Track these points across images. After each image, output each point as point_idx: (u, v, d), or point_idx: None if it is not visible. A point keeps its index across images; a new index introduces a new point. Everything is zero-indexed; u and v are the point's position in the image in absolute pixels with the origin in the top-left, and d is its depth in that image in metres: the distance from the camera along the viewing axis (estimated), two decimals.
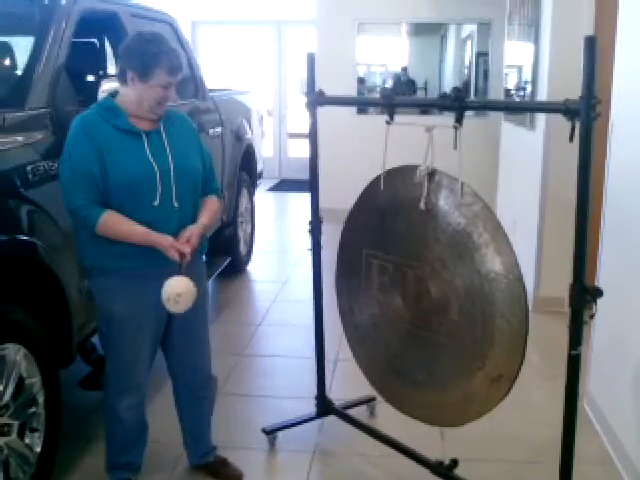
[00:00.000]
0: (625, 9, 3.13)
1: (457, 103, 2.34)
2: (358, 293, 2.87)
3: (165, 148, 2.45)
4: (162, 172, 2.40)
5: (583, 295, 2.10)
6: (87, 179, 2.34)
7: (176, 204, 2.44)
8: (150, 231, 2.37)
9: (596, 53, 1.98)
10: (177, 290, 2.33)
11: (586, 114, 1.99)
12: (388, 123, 2.56)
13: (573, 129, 2.04)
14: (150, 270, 2.42)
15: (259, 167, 6.03)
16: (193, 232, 2.42)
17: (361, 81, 7.91)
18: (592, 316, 3.26)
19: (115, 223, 2.36)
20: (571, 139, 2.04)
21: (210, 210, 2.58)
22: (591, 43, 1.98)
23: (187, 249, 2.37)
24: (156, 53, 2.35)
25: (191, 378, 2.74)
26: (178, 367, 2.72)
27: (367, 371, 2.93)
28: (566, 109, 2.04)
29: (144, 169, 2.38)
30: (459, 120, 2.33)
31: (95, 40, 4.17)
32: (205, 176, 2.61)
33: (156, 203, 2.39)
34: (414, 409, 2.71)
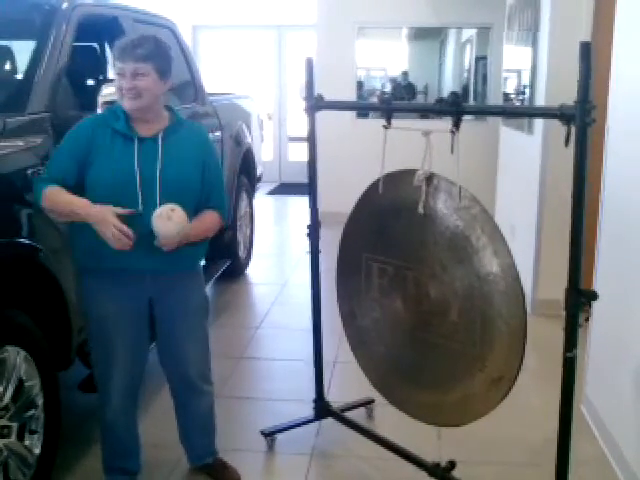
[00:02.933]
0: (622, 14, 3.15)
1: (454, 108, 2.35)
2: (359, 296, 2.89)
3: (157, 157, 2.40)
4: (145, 180, 2.36)
5: (578, 298, 2.12)
6: (57, 165, 2.40)
7: None
8: (90, 204, 2.30)
9: (591, 59, 2.00)
10: (171, 205, 2.28)
11: (581, 119, 2.00)
12: (386, 128, 2.58)
13: (568, 134, 2.06)
14: (126, 274, 2.42)
15: (258, 171, 6.05)
16: None
17: (361, 85, 7.93)
18: (587, 319, 3.30)
19: (57, 195, 2.33)
20: (566, 144, 2.06)
21: (200, 222, 2.47)
22: (586, 49, 2.00)
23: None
24: (119, 41, 2.37)
25: (175, 385, 2.74)
26: (165, 371, 2.72)
27: (368, 372, 2.94)
28: (561, 114, 2.06)
29: (126, 173, 2.35)
30: (456, 125, 2.35)
31: (95, 44, 4.19)
32: (206, 191, 2.52)
33: (140, 209, 2.35)
34: (415, 409, 2.73)
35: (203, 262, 2.79)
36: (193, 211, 2.47)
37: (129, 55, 2.31)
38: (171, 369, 2.70)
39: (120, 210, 2.29)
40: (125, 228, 2.25)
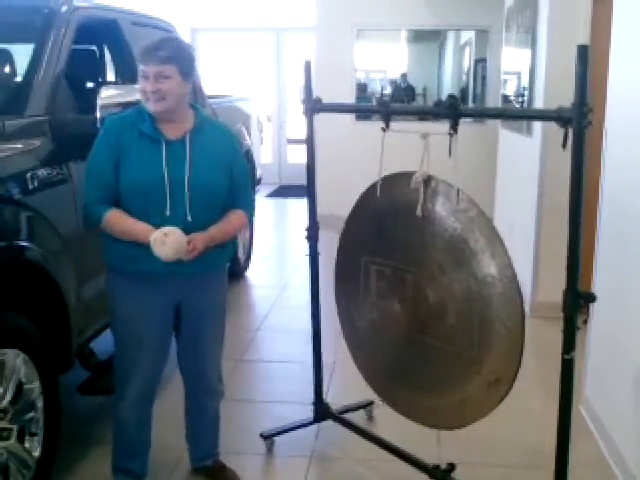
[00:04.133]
0: (619, 16, 3.16)
1: (451, 111, 2.36)
2: (357, 298, 2.89)
3: (184, 159, 2.41)
4: (174, 183, 2.38)
5: (576, 300, 2.12)
6: (99, 181, 2.42)
7: (189, 218, 2.40)
8: (151, 228, 2.35)
9: (588, 62, 2.01)
10: (164, 230, 2.31)
11: (578, 122, 2.01)
12: (384, 130, 2.59)
13: (566, 136, 2.06)
14: (155, 276, 2.44)
15: (258, 173, 6.06)
16: (196, 238, 2.37)
17: (362, 87, 7.93)
18: (586, 321, 3.30)
19: (118, 220, 2.39)
20: (564, 146, 2.07)
21: (226, 222, 2.51)
22: (583, 52, 2.00)
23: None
24: (142, 45, 2.40)
25: (193, 385, 2.75)
26: (184, 371, 2.74)
27: (366, 374, 2.95)
28: (558, 117, 2.06)
29: (154, 176, 2.37)
30: (454, 127, 2.35)
31: (94, 47, 4.19)
32: (234, 191, 2.54)
33: (168, 213, 2.38)
34: (412, 412, 2.73)
35: None
36: (221, 211, 2.51)
37: (151, 58, 2.33)
38: (192, 371, 2.71)
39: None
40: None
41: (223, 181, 2.50)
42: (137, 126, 2.42)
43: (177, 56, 2.37)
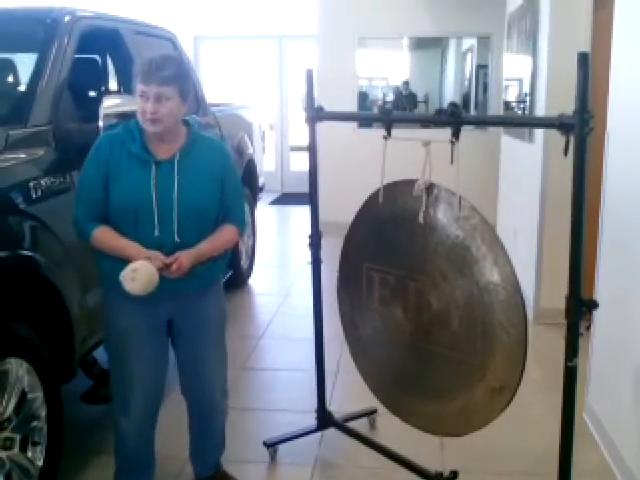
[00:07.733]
0: (620, 22, 3.17)
1: (453, 119, 2.36)
2: (360, 306, 2.90)
3: (173, 180, 2.37)
4: (163, 204, 2.36)
5: (579, 307, 2.12)
6: (89, 198, 2.41)
7: (177, 238, 2.38)
8: (140, 247, 2.34)
9: (589, 69, 2.01)
10: (133, 265, 2.27)
11: (579, 129, 2.01)
12: (385, 138, 2.59)
13: (567, 143, 2.07)
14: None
15: (260, 181, 6.07)
16: (181, 257, 2.34)
17: (364, 95, 7.95)
18: (588, 327, 3.30)
19: (106, 238, 2.38)
20: (565, 153, 2.07)
21: (216, 237, 2.47)
22: (584, 59, 2.01)
23: (168, 260, 2.32)
24: (141, 62, 2.35)
25: (196, 406, 2.71)
26: (184, 386, 2.70)
27: (369, 382, 2.95)
28: (560, 124, 2.07)
29: (143, 198, 2.35)
30: (455, 135, 2.36)
31: (97, 57, 4.21)
32: (225, 206, 2.50)
33: (156, 234, 2.36)
34: (416, 419, 2.73)
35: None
36: (211, 228, 2.48)
37: (153, 78, 2.27)
38: (195, 392, 2.67)
39: (165, 259, 2.33)
40: (167, 261, 2.32)
41: (213, 198, 2.46)
42: (127, 145, 2.39)
43: (178, 77, 2.32)
